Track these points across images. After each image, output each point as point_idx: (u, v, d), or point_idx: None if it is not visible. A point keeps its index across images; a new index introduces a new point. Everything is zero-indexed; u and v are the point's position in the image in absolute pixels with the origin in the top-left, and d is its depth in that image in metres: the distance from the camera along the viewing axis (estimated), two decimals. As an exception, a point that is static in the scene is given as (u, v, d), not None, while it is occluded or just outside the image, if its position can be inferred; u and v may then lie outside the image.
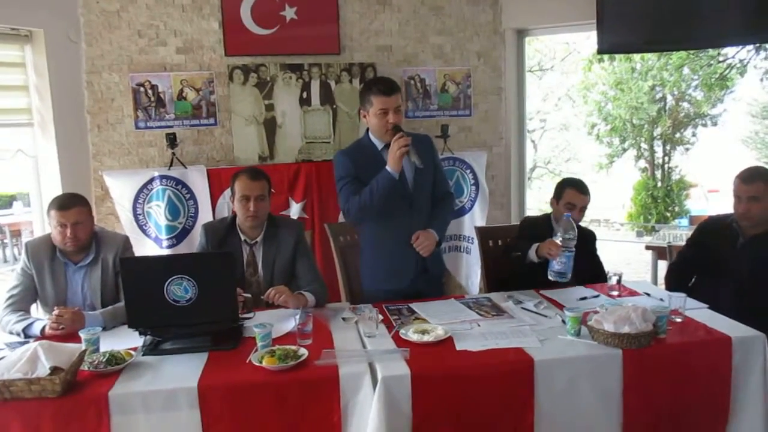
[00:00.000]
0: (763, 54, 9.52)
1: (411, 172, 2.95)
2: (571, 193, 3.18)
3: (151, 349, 2.39)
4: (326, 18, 4.40)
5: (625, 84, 11.55)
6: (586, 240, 3.29)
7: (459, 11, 4.65)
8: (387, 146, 2.90)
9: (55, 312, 2.57)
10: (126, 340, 2.44)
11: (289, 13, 4.33)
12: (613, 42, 4.18)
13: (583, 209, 3.19)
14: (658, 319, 2.36)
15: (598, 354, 2.28)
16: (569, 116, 15.26)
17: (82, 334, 2.34)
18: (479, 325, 2.58)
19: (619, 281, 3.03)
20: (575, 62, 12.92)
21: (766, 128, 16.77)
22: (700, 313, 2.66)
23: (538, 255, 2.95)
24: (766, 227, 2.98)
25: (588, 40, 10.96)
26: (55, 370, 2.05)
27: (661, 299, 2.85)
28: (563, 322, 2.54)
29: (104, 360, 2.20)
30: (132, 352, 2.31)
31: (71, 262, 2.84)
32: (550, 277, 2.87)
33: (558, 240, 2.79)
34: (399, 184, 2.85)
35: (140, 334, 2.43)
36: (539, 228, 3.23)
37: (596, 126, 13.19)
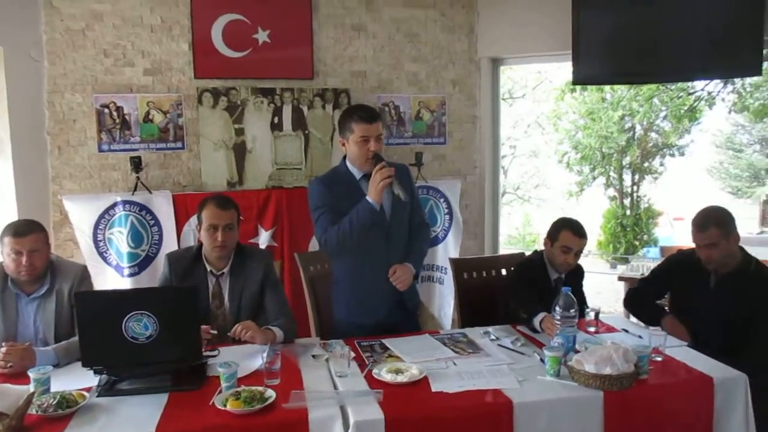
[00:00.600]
0: (730, 87, 9.77)
1: (389, 201, 2.85)
2: (568, 236, 3.01)
3: (106, 390, 2.23)
4: (300, 42, 4.32)
5: (596, 114, 11.72)
6: (576, 276, 3.22)
7: (434, 39, 4.62)
8: (366, 176, 2.81)
9: (2, 349, 2.40)
10: (80, 379, 2.28)
11: (262, 36, 4.24)
12: (588, 73, 4.19)
13: (578, 253, 3.05)
14: (640, 359, 2.29)
15: (578, 396, 2.20)
16: (539, 143, 15.43)
17: (31, 374, 2.18)
18: (455, 364, 2.48)
19: (597, 317, 2.96)
20: (546, 91, 13.09)
21: (730, 158, 17.19)
22: (679, 351, 2.61)
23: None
24: (734, 265, 2.95)
25: (559, 69, 11.14)
26: (-1, 415, 1.89)
27: (640, 336, 2.79)
28: (542, 360, 2.45)
29: (54, 403, 2.04)
30: (85, 394, 2.15)
31: (23, 293, 2.67)
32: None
33: (556, 317, 2.53)
34: (379, 216, 2.75)
35: (95, 373, 2.27)
36: (535, 271, 3.12)
37: (566, 154, 13.33)
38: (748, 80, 7.85)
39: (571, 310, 2.49)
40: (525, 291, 3.00)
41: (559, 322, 2.50)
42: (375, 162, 2.72)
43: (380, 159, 2.74)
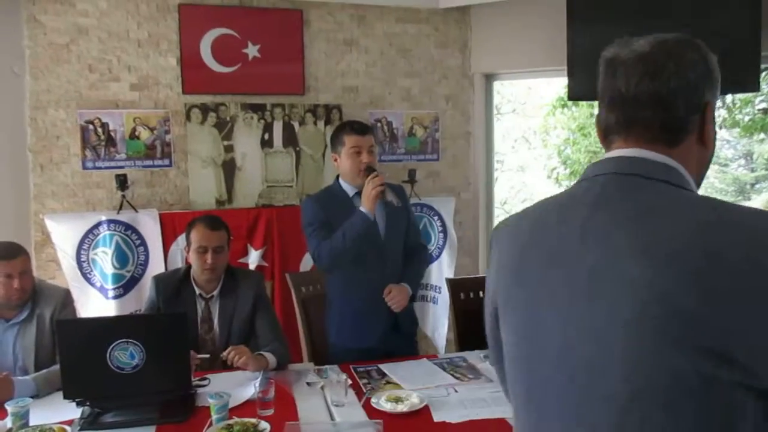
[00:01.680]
0: (719, 102, 9.79)
1: (383, 220, 2.79)
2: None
3: (89, 423, 2.11)
4: (291, 57, 4.23)
5: (585, 129, 11.71)
6: None
7: (427, 54, 4.56)
8: (359, 193, 2.75)
9: (-21, 380, 2.27)
10: (61, 411, 2.17)
11: (252, 50, 4.15)
12: (584, 89, 4.13)
13: None
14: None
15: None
16: (527, 158, 15.44)
17: (9, 407, 2.06)
18: (456, 391, 2.39)
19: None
20: (536, 106, 13.08)
21: (716, 172, 17.28)
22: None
23: None
24: None
25: (549, 85, 11.13)
26: (-28, 455, 1.76)
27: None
28: (546, 387, 2.36)
29: (33, 438, 1.92)
30: (66, 428, 2.04)
31: (2, 319, 2.54)
32: None
33: None
34: (373, 227, 2.69)
35: (78, 405, 2.15)
36: None
37: (555, 169, 13.33)
38: (738, 96, 7.83)
39: None
40: None
41: None
42: (367, 173, 2.68)
43: (372, 170, 2.70)
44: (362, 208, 2.64)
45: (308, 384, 2.46)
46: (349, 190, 2.81)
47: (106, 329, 2.18)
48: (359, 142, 2.73)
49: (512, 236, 1.13)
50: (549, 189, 14.70)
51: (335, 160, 2.83)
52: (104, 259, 3.75)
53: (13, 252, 2.53)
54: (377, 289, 2.76)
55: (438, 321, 4.45)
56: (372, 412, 2.17)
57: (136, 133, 3.97)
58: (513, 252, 1.10)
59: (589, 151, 12.13)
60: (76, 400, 2.14)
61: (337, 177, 2.87)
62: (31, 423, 2.07)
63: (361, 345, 2.80)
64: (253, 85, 4.15)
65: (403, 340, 2.92)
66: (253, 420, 2.05)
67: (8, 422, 2.03)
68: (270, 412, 2.17)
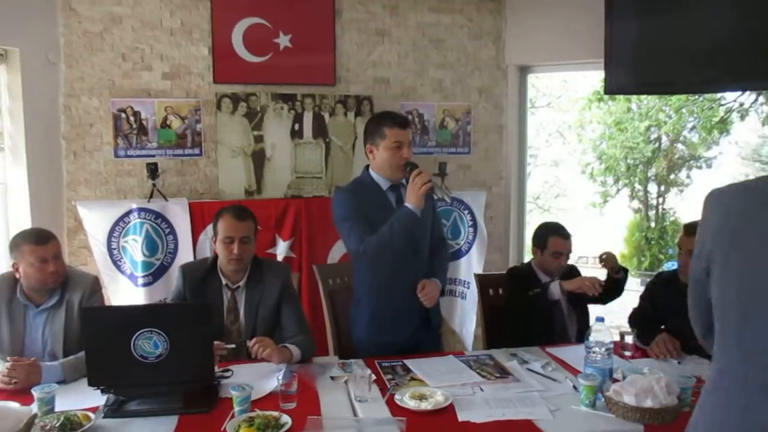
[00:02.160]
0: (761, 99, 9.49)
1: None
2: (558, 241, 3.02)
3: (113, 410, 2.11)
4: (322, 47, 4.20)
5: (622, 124, 11.49)
6: (574, 274, 3.14)
7: (461, 45, 4.48)
8: (393, 186, 2.72)
9: (7, 365, 2.29)
10: (87, 398, 2.17)
11: (284, 40, 4.13)
12: (621, 83, 4.02)
13: (569, 254, 3.04)
14: (683, 392, 2.13)
15: (617, 430, 2.04)
16: (560, 153, 15.21)
17: (35, 393, 2.07)
18: (482, 390, 2.33)
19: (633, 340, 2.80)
20: (571, 100, 12.87)
21: (757, 170, 16.78)
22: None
23: (564, 289, 2.75)
24: None
25: (585, 78, 10.93)
26: (-4, 439, 1.77)
27: (679, 362, 2.63)
28: (575, 388, 2.30)
29: (57, 425, 1.92)
30: (91, 415, 2.03)
31: (32, 304, 2.57)
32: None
33: (591, 351, 2.33)
34: (420, 224, 2.64)
35: (102, 392, 2.15)
36: (528, 281, 3.06)
37: (590, 164, 13.10)
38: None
39: (606, 342, 2.32)
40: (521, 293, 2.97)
41: (595, 354, 2.33)
42: (410, 169, 2.62)
43: (415, 166, 2.63)
44: (410, 205, 2.57)
45: (332, 378, 2.43)
46: (383, 183, 2.74)
47: (130, 318, 2.17)
48: (401, 137, 2.65)
49: (733, 202, 1.41)
50: (583, 184, 14.47)
51: (370, 151, 2.74)
52: (134, 246, 3.78)
53: (46, 237, 2.56)
54: (411, 284, 2.73)
55: (466, 316, 4.40)
56: (395, 409, 2.13)
57: (168, 122, 3.99)
58: (734, 216, 1.38)
59: (625, 146, 11.88)
60: (100, 387, 2.14)
61: (367, 167, 2.81)
62: (57, 409, 2.08)
63: (393, 340, 2.77)
64: (283, 75, 4.14)
65: (430, 335, 2.90)
66: (275, 413, 2.03)
67: (34, 407, 2.05)
68: (293, 405, 2.14)
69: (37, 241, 2.52)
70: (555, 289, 2.89)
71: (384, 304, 2.78)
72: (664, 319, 2.87)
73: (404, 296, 2.73)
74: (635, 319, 3.01)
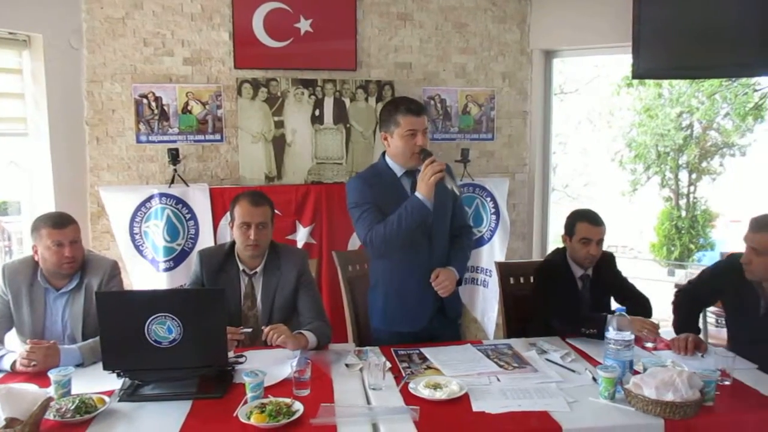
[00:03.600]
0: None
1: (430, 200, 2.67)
2: (585, 227, 2.88)
3: (129, 394, 2.12)
4: (343, 32, 4.15)
5: (653, 110, 11.25)
6: (608, 265, 3.05)
7: (484, 29, 4.40)
8: (407, 173, 2.69)
9: (27, 347, 2.31)
10: (103, 381, 2.18)
11: (304, 25, 4.10)
12: (649, 67, 3.91)
13: (600, 242, 2.89)
14: (706, 385, 2.06)
15: (637, 424, 1.98)
16: (589, 140, 14.98)
17: (52, 375, 2.09)
18: (499, 380, 2.29)
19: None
20: (601, 86, 12.65)
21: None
22: (749, 374, 2.35)
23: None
24: None
25: (616, 64, 10.70)
26: (11, 421, 1.79)
27: (702, 356, 2.56)
28: (594, 380, 2.25)
29: (72, 408, 1.94)
30: (105, 398, 2.04)
31: (53, 287, 2.60)
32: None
33: (611, 343, 2.29)
34: (429, 215, 2.58)
35: (118, 376, 2.17)
36: (560, 273, 2.96)
37: (619, 152, 12.87)
38: None
39: (627, 333, 2.26)
40: (565, 306, 2.81)
41: (613, 346, 2.27)
42: (423, 157, 2.57)
43: (429, 154, 2.59)
44: (419, 194, 2.53)
45: (347, 365, 2.41)
46: (397, 170, 2.71)
47: (144, 303, 2.17)
48: (415, 124, 2.60)
49: None
50: (612, 172, 14.25)
51: (385, 139, 2.70)
52: (156, 231, 3.80)
53: (64, 221, 2.56)
54: (424, 273, 2.69)
55: (488, 304, 4.35)
56: (409, 398, 2.11)
57: (189, 108, 4.00)
58: None
59: (656, 133, 11.63)
60: (115, 371, 2.16)
61: (383, 154, 2.78)
62: (73, 392, 2.10)
63: (406, 329, 2.74)
64: (304, 61, 4.11)
65: (447, 325, 2.85)
66: (287, 400, 2.02)
67: (51, 390, 2.07)
68: (306, 392, 2.13)
69: (55, 224, 2.53)
70: (611, 330, 2.65)
71: (396, 293, 2.75)
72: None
73: (417, 284, 2.70)
74: (685, 296, 2.92)
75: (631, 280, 3.13)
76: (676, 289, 3.03)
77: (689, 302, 2.90)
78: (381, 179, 2.71)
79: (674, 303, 2.94)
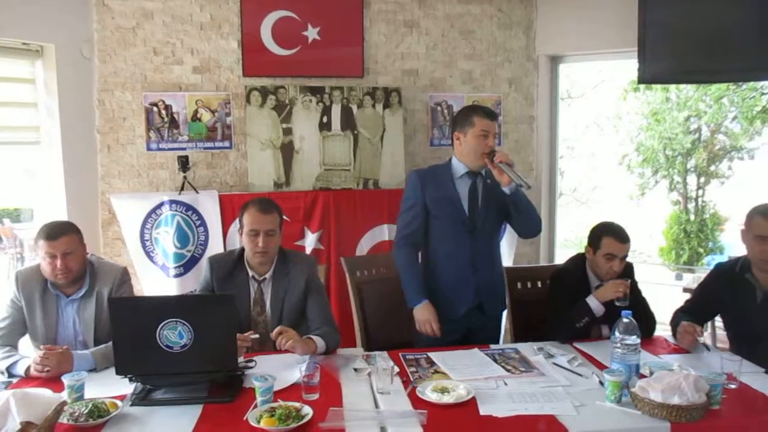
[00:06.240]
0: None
1: (466, 199, 2.90)
2: (611, 242, 2.79)
3: (140, 399, 2.15)
4: (350, 39, 4.20)
5: (660, 114, 11.24)
6: (626, 275, 2.94)
7: (490, 35, 4.43)
8: (469, 173, 2.88)
9: (40, 353, 2.35)
10: (115, 386, 2.22)
11: (312, 33, 4.14)
12: (655, 72, 3.92)
13: (623, 258, 2.82)
14: (712, 388, 2.07)
15: (643, 427, 1.99)
16: (597, 144, 14.95)
17: (65, 380, 2.12)
18: (506, 384, 2.30)
19: (662, 336, 2.74)
20: (608, 90, 12.64)
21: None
22: (756, 378, 2.36)
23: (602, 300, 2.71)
24: None
25: (621, 68, 10.69)
26: (27, 425, 1.82)
27: (708, 348, 2.62)
28: (601, 383, 2.26)
29: (86, 412, 1.97)
30: (118, 402, 2.08)
31: (63, 294, 2.63)
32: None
33: (617, 346, 2.29)
34: (456, 211, 2.86)
35: (130, 381, 2.20)
36: (576, 283, 2.90)
37: (627, 156, 12.84)
38: None
39: (633, 337, 2.27)
40: (566, 302, 2.84)
41: (620, 350, 2.29)
42: (488, 156, 2.79)
43: (495, 154, 2.79)
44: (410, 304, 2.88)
45: (355, 370, 2.44)
46: (460, 170, 2.90)
47: (156, 308, 2.21)
48: (489, 127, 2.83)
49: None
50: (620, 176, 14.21)
51: (457, 138, 2.89)
52: (166, 238, 3.85)
53: (57, 233, 2.55)
54: (465, 264, 2.88)
55: (496, 309, 4.35)
56: (417, 402, 2.13)
57: (198, 116, 4.05)
58: None
59: (663, 137, 11.61)
60: (128, 376, 2.19)
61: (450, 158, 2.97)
62: (86, 396, 2.13)
63: (444, 317, 2.87)
64: (312, 68, 4.16)
65: (485, 322, 2.98)
66: (297, 404, 2.04)
67: (65, 394, 2.10)
68: (315, 396, 2.16)
69: (47, 236, 2.53)
70: (597, 308, 2.73)
71: (438, 280, 2.93)
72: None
73: (457, 274, 2.89)
74: (682, 314, 2.89)
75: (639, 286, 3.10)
76: (672, 314, 2.99)
77: (687, 319, 2.82)
78: (436, 176, 2.94)
79: (671, 323, 2.90)
